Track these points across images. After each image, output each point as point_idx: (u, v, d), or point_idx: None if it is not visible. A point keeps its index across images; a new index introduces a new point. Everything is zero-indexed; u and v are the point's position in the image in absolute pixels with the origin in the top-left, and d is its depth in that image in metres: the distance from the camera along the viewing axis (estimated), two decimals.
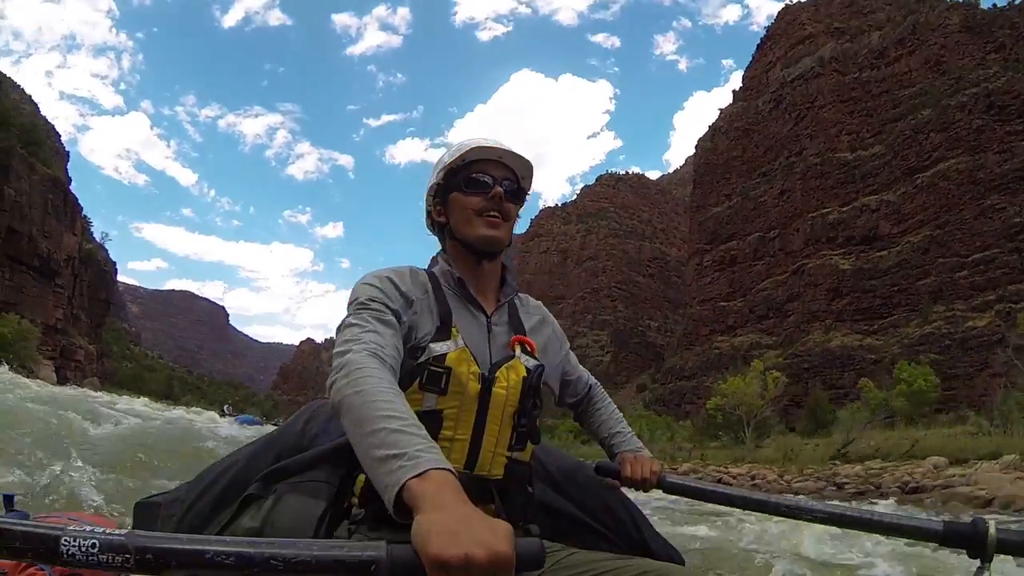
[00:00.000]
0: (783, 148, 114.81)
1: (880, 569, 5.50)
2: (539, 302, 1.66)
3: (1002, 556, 1.17)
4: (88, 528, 0.72)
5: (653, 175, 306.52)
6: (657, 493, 1.62)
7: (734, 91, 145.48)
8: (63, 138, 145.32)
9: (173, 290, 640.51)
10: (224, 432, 11.99)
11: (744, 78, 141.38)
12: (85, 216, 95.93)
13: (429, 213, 1.57)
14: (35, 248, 70.76)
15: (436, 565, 0.75)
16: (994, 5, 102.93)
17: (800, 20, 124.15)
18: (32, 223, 70.58)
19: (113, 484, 5.50)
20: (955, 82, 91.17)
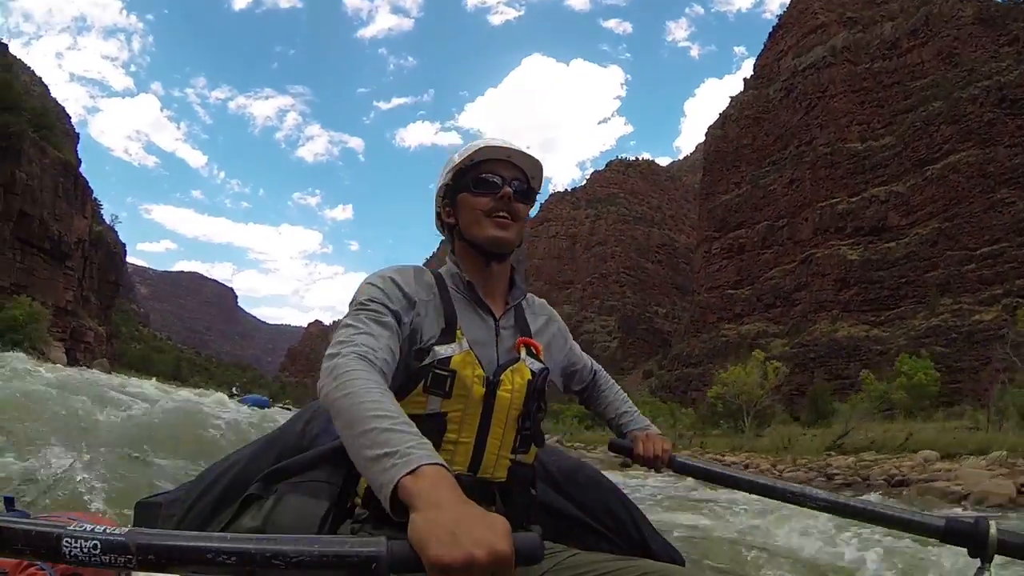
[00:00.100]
0: (793, 137, 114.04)
1: (870, 564, 5.48)
2: (544, 301, 1.69)
3: (1002, 557, 1.17)
4: (89, 527, 0.72)
5: (663, 161, 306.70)
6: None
7: (745, 79, 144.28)
8: (73, 120, 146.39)
9: (182, 272, 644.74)
10: (230, 416, 12.22)
11: (756, 66, 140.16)
12: (95, 198, 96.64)
13: (438, 214, 1.57)
14: (46, 231, 71.47)
15: (437, 568, 0.75)
16: None
17: (813, 9, 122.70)
18: (43, 206, 71.20)
19: (118, 479, 5.55)
20: (967, 74, 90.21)
